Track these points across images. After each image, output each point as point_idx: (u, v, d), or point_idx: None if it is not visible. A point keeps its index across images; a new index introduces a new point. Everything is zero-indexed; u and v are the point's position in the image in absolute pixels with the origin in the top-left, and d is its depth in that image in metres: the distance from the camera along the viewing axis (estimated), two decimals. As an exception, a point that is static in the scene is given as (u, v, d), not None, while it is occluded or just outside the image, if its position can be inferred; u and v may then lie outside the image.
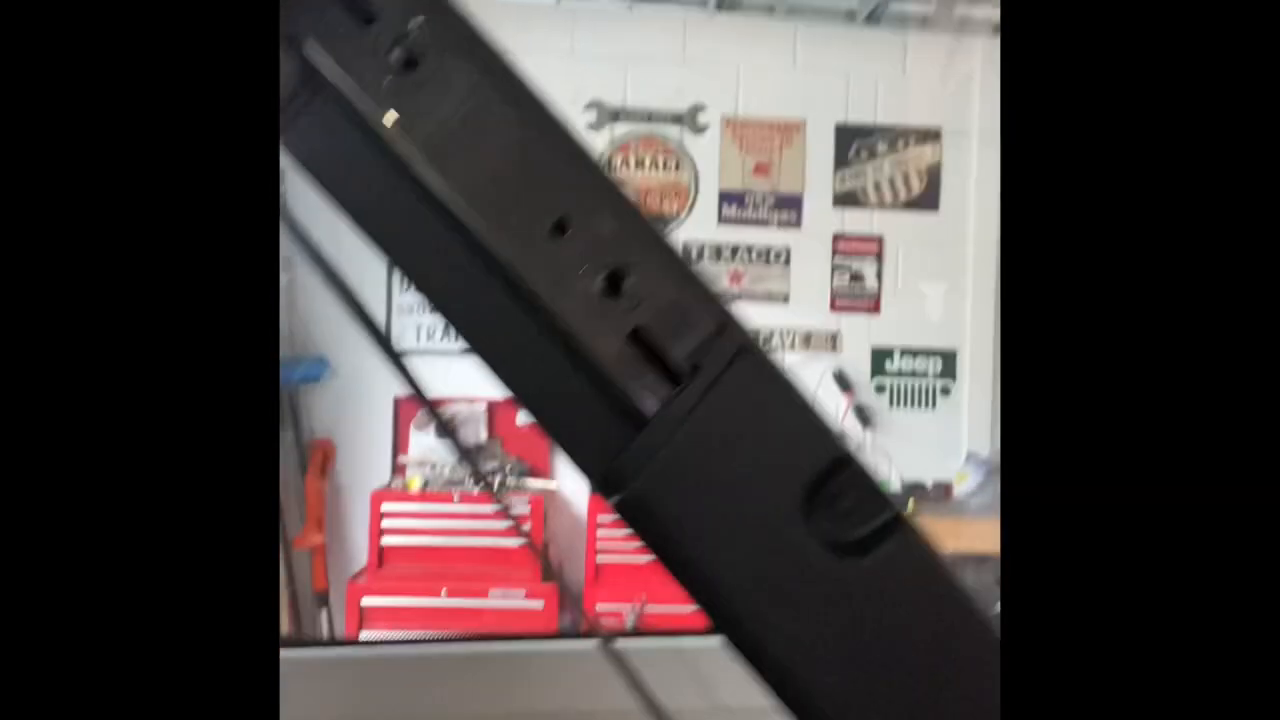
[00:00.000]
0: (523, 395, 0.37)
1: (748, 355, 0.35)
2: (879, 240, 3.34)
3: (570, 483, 3.22)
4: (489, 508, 3.01)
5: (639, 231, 0.36)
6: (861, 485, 0.35)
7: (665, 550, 0.36)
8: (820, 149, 3.33)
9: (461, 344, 0.38)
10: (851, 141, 3.33)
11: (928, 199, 3.34)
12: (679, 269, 0.36)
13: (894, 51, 3.31)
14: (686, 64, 3.21)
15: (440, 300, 0.37)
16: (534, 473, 3.22)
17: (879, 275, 3.33)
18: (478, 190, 0.35)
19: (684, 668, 0.74)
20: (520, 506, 3.00)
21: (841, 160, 3.34)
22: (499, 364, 0.37)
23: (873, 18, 3.23)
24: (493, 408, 3.26)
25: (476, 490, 3.06)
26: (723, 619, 0.36)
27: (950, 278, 3.33)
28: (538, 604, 2.94)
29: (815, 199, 3.34)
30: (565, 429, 0.37)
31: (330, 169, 0.37)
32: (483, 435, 3.26)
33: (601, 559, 3.01)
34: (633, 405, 0.35)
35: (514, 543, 2.97)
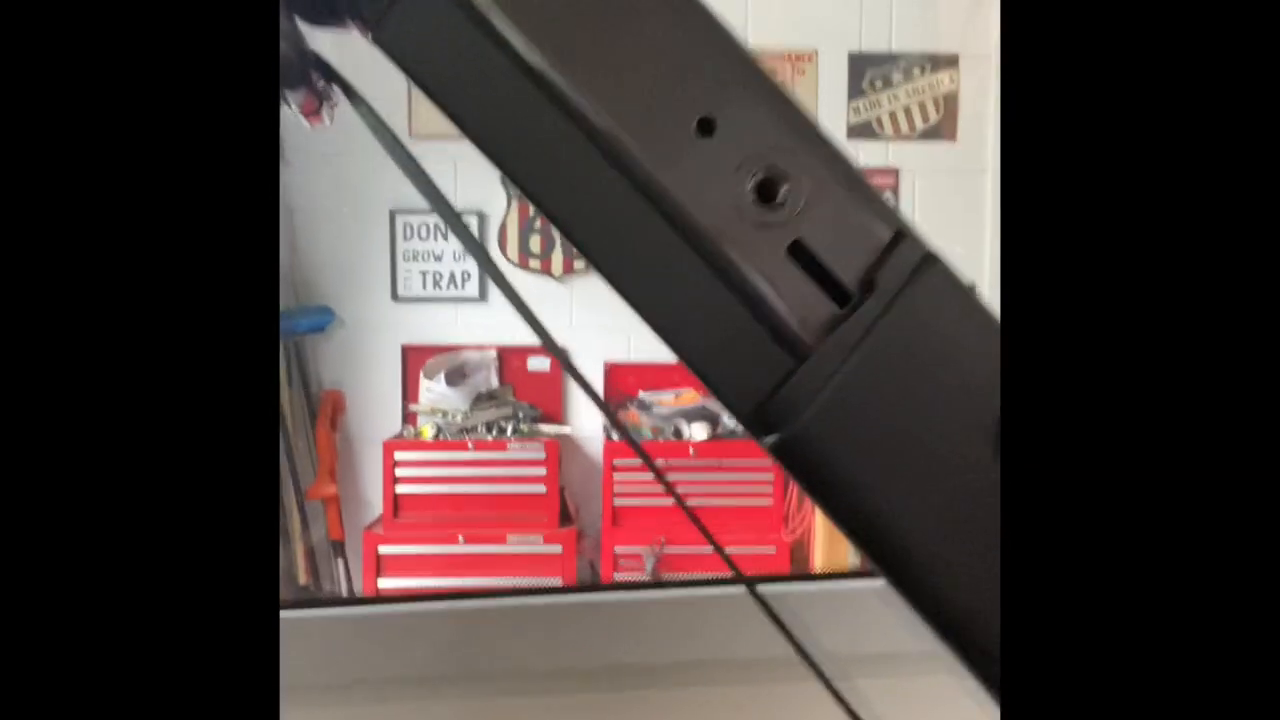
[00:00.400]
0: (659, 319, 0.32)
1: (930, 267, 0.31)
2: (895, 173, 3.26)
3: (585, 427, 3.20)
4: (503, 454, 2.99)
5: (798, 130, 0.31)
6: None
7: (832, 497, 0.32)
8: (832, 79, 3.23)
9: (589, 266, 0.33)
10: (865, 71, 3.23)
11: (945, 128, 3.25)
12: (844, 171, 0.31)
13: (909, -26, 3.19)
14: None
15: (562, 211, 0.32)
16: (547, 418, 3.19)
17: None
18: (609, 83, 0.31)
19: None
20: (534, 452, 2.98)
21: (855, 91, 3.24)
22: (631, 284, 0.32)
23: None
24: (503, 354, 3.22)
25: (490, 437, 3.03)
26: (901, 569, 0.31)
27: (969, 210, 3.26)
28: (556, 549, 2.94)
29: (829, 131, 3.24)
30: (711, 358, 0.32)
31: (432, 62, 0.32)
32: (494, 382, 3.22)
33: (619, 502, 3.00)
34: (794, 330, 0.31)
35: (530, 489, 2.95)
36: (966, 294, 0.31)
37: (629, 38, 0.31)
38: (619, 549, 2.97)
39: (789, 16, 3.18)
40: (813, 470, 0.31)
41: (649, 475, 3.05)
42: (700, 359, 0.32)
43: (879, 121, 3.25)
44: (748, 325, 0.31)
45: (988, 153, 3.25)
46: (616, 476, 2.99)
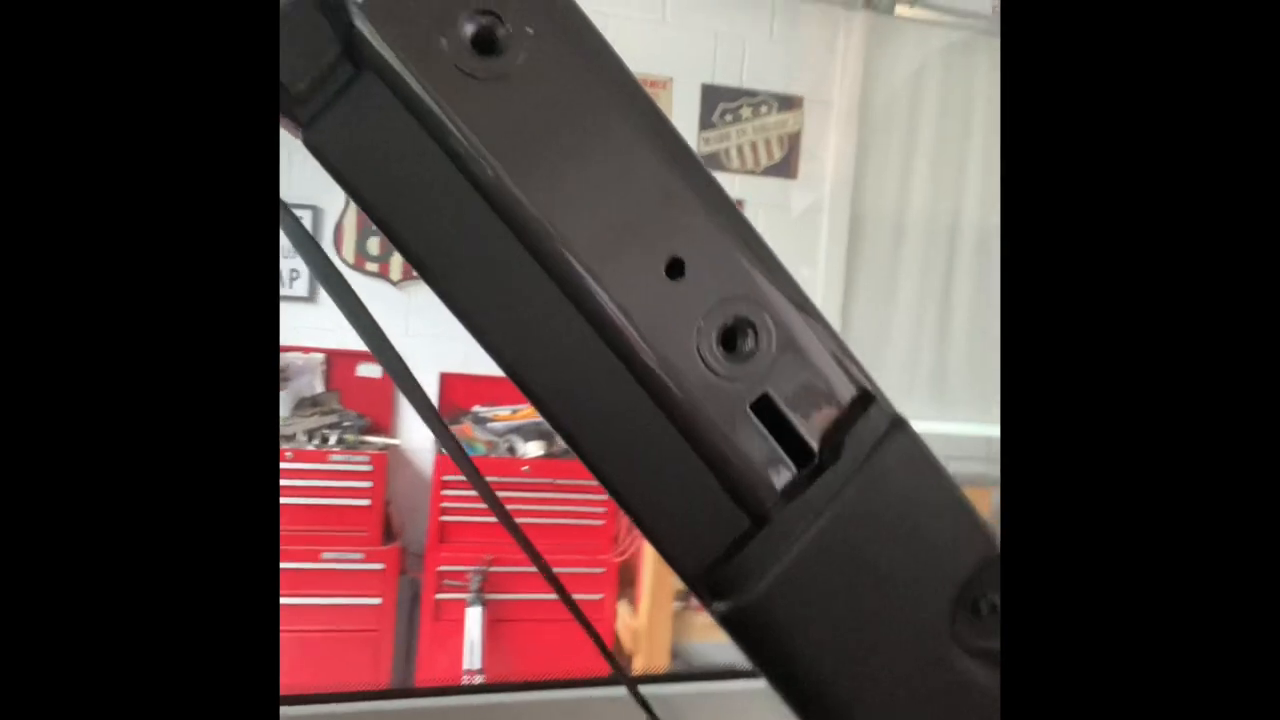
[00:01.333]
0: (609, 469, 0.29)
1: (899, 434, 0.30)
2: (740, 204, 3.35)
3: (415, 439, 3.08)
4: (325, 465, 2.82)
5: (769, 276, 0.29)
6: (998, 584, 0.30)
7: (783, 668, 0.30)
8: (685, 108, 3.29)
9: (533, 409, 0.29)
10: (717, 104, 3.32)
11: (787, 166, 3.39)
12: (814, 322, 0.30)
13: (762, 16, 3.31)
14: None
15: (512, 353, 0.29)
16: (375, 428, 3.05)
17: (738, 239, 3.36)
18: (574, 217, 0.28)
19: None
20: (360, 464, 2.83)
21: (706, 122, 3.32)
22: (585, 431, 0.29)
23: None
24: (331, 358, 3.05)
25: (312, 446, 2.86)
26: None
27: (805, 246, 3.40)
28: (378, 566, 2.80)
29: (678, 158, 3.31)
30: (661, 512, 0.29)
31: (372, 172, 0.28)
32: (319, 387, 3.05)
33: (446, 519, 2.90)
34: (754, 490, 0.29)
35: (353, 503, 2.80)
36: (932, 463, 0.30)
37: (601, 162, 0.28)
38: (444, 567, 2.87)
39: (647, 42, 3.23)
40: (764, 642, 0.29)
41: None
42: (648, 512, 0.29)
43: (726, 153, 3.34)
44: (704, 480, 0.29)
45: (824, 192, 3.41)
46: (445, 492, 2.90)
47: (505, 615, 2.86)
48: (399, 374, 0.37)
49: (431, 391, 3.08)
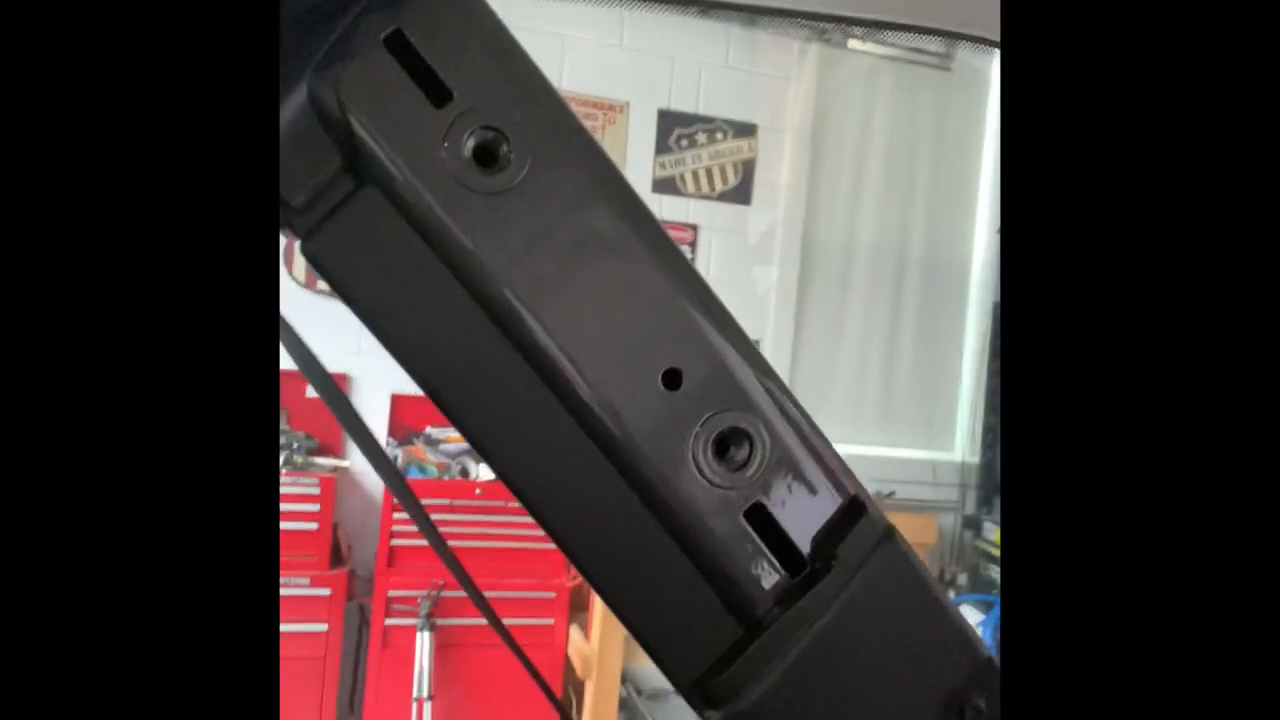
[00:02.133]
0: (606, 576, 0.29)
1: (888, 545, 0.30)
2: (694, 228, 3.39)
3: (362, 461, 3.03)
4: (272, 487, 2.76)
5: (764, 388, 0.30)
6: (994, 689, 0.30)
7: None
8: (641, 133, 3.33)
9: (534, 518, 0.29)
10: (673, 129, 3.35)
11: (741, 192, 3.43)
12: (807, 433, 0.30)
13: (718, 44, 3.36)
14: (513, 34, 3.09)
15: (508, 460, 0.29)
16: (324, 450, 3.00)
17: (692, 263, 3.38)
18: (574, 330, 0.28)
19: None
20: (308, 487, 2.78)
21: (662, 146, 3.35)
22: (580, 538, 0.29)
23: (703, 9, 3.26)
24: (280, 378, 3.00)
25: (258, 468, 2.80)
26: None
27: (758, 270, 3.44)
28: (324, 591, 2.74)
29: (634, 182, 3.32)
30: (657, 622, 0.30)
31: (371, 283, 0.28)
32: (267, 408, 2.99)
33: (396, 543, 2.85)
34: (748, 599, 0.29)
35: (300, 526, 2.75)
36: (920, 574, 0.31)
37: (602, 277, 0.28)
38: (393, 593, 2.82)
39: (604, 67, 3.26)
40: None
41: (431, 515, 2.93)
42: (642, 620, 0.30)
43: (682, 178, 3.38)
44: (697, 587, 0.29)
45: (778, 218, 3.46)
46: (395, 515, 2.85)
47: (456, 640, 2.81)
48: (330, 395, 0.37)
49: (382, 412, 3.04)
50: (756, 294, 3.45)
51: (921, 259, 3.59)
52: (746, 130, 3.43)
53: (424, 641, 2.76)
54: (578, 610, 2.95)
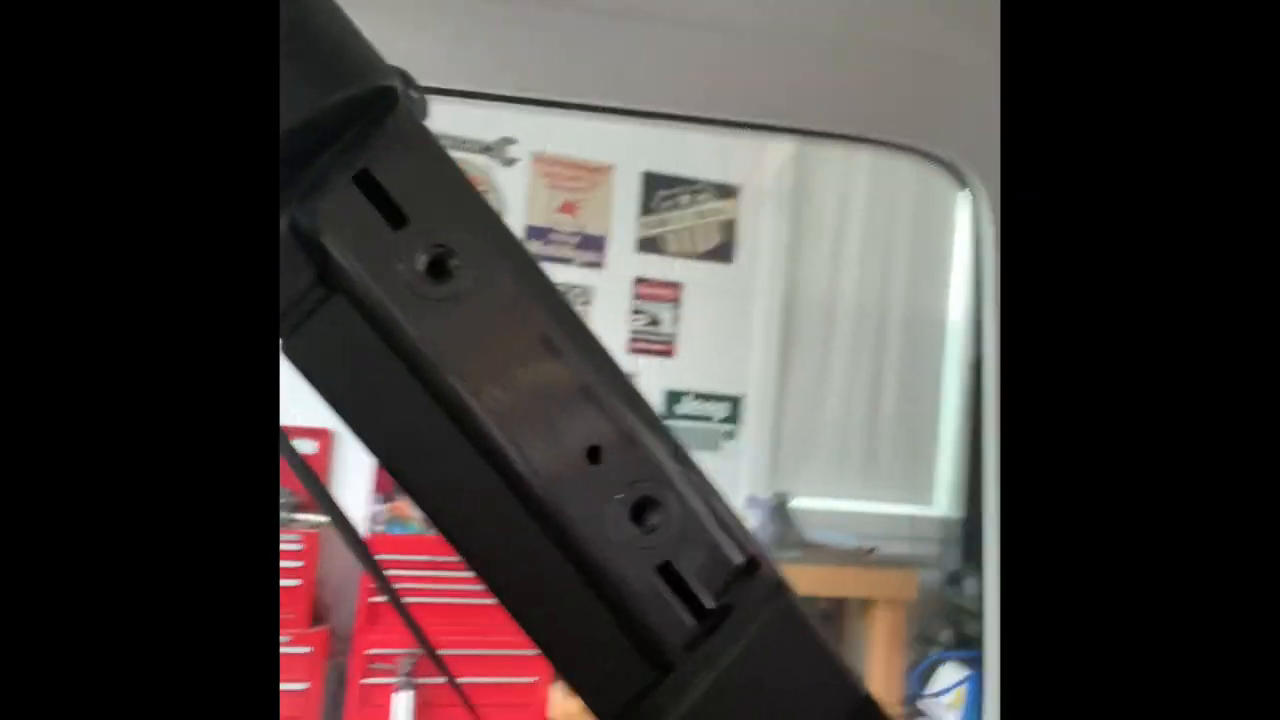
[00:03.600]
0: (537, 626, 0.34)
1: (779, 597, 0.34)
2: (677, 286, 3.45)
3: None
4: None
5: (672, 460, 0.34)
6: None
7: None
8: (626, 194, 3.40)
9: (474, 577, 0.34)
10: (656, 190, 3.44)
11: (723, 251, 3.51)
12: (710, 498, 0.35)
13: (700, 108, 3.46)
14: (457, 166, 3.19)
15: (455, 527, 0.34)
16: (306, 506, 2.99)
17: (676, 320, 3.43)
18: (511, 414, 0.33)
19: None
20: (291, 543, 2.76)
21: (646, 207, 3.43)
22: (516, 594, 0.34)
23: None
24: (264, 434, 3.00)
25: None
26: None
27: (740, 328, 3.49)
28: (305, 649, 2.71)
29: (619, 242, 3.40)
30: (580, 665, 0.34)
31: (342, 378, 0.33)
32: (250, 463, 2.99)
33: (376, 600, 2.83)
34: (659, 644, 0.33)
35: (282, 583, 2.72)
36: (804, 621, 0.35)
37: (534, 368, 0.33)
38: (372, 650, 2.79)
39: (590, 130, 3.35)
40: None
41: (413, 570, 2.91)
42: (569, 661, 0.34)
43: (664, 238, 3.45)
44: (615, 635, 0.33)
45: (760, 277, 3.53)
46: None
47: (436, 700, 2.78)
48: (289, 455, 0.40)
49: (365, 469, 3.04)
50: (739, 351, 3.50)
51: (902, 316, 3.66)
52: (728, 191, 3.51)
53: (402, 701, 2.73)
54: (560, 669, 2.92)
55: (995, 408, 0.84)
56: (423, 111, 0.35)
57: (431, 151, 0.34)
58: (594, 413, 0.33)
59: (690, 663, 0.33)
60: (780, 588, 0.34)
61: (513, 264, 0.34)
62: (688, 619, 0.33)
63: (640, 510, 0.33)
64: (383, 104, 0.32)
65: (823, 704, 0.34)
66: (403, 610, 0.44)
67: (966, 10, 0.76)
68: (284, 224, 0.32)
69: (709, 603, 0.33)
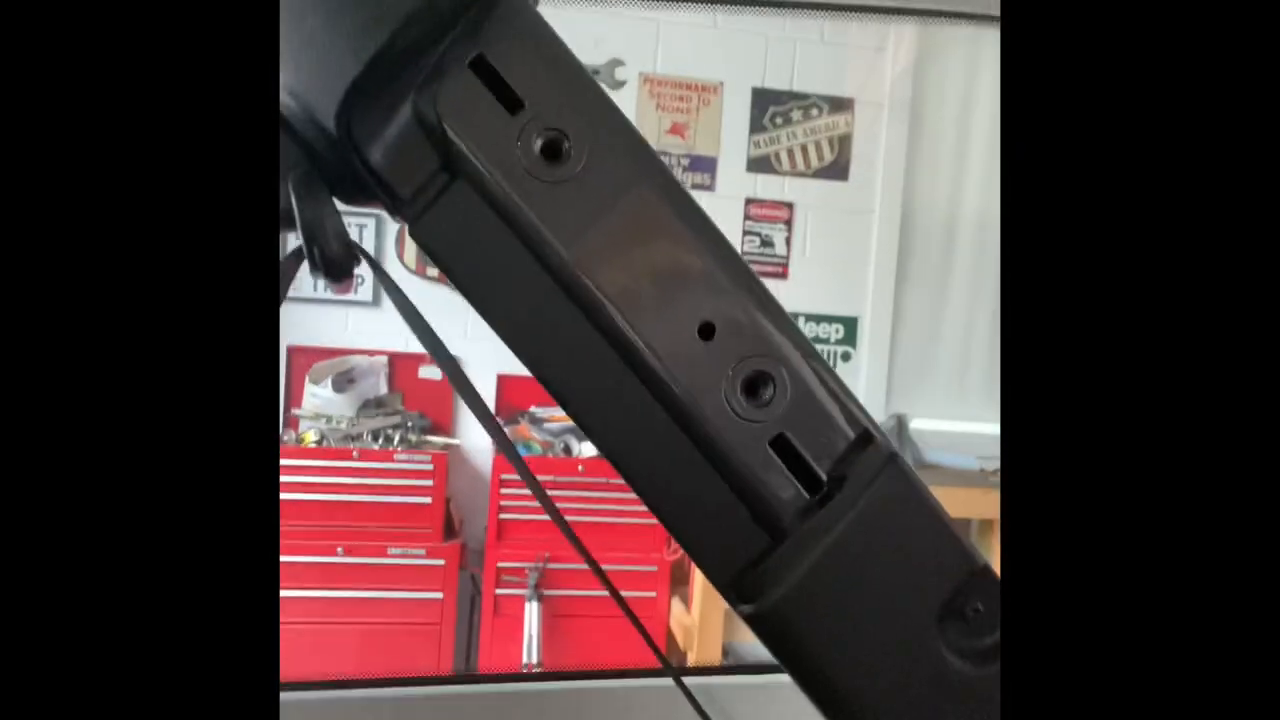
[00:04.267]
0: (656, 496, 0.36)
1: (892, 467, 0.35)
2: (790, 206, 3.38)
3: (474, 439, 3.17)
4: (389, 464, 2.93)
5: (784, 336, 0.35)
6: (994, 594, 0.35)
7: (800, 662, 0.36)
8: (736, 113, 3.33)
9: (597, 450, 0.36)
10: (767, 107, 3.35)
11: (838, 168, 3.40)
12: (822, 373, 0.35)
13: (812, 20, 3.33)
14: (606, 17, 3.14)
15: (576, 400, 0.36)
16: (437, 428, 3.15)
17: (788, 241, 3.38)
18: (625, 291, 0.34)
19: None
20: (421, 463, 2.93)
21: (757, 125, 3.35)
22: (635, 465, 0.36)
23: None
24: (394, 360, 3.16)
25: (376, 446, 2.97)
26: None
27: (855, 247, 3.41)
28: (439, 562, 2.90)
29: (729, 162, 3.35)
30: (698, 533, 0.36)
31: (465, 258, 0.35)
32: (383, 389, 3.16)
33: (504, 516, 2.98)
34: (773, 513, 0.34)
35: (415, 500, 2.91)
36: (920, 491, 0.36)
37: (647, 247, 0.35)
38: (502, 564, 2.96)
39: (698, 48, 3.28)
40: (782, 640, 0.35)
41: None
42: (688, 531, 0.36)
43: (777, 156, 3.37)
44: (731, 504, 0.35)
45: (876, 194, 3.42)
46: (503, 491, 2.98)
47: (562, 611, 2.93)
48: (455, 377, 0.42)
49: (489, 393, 3.17)
50: (855, 270, 3.42)
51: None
52: (842, 105, 3.39)
53: (532, 611, 2.89)
54: (679, 584, 3.02)
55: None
56: None
57: (544, 37, 0.34)
58: (705, 290, 0.34)
59: (803, 532, 0.34)
60: (893, 459, 0.35)
61: (625, 146, 0.35)
62: (801, 490, 0.34)
63: (753, 385, 0.34)
64: None
65: (936, 571, 0.35)
66: (535, 485, 0.46)
67: None
68: (407, 111, 0.34)
69: (822, 474, 0.34)
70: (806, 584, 0.34)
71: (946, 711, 0.35)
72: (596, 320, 0.34)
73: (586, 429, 0.36)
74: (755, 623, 0.35)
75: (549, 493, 0.51)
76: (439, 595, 2.90)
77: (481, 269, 0.35)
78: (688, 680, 0.52)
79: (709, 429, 0.34)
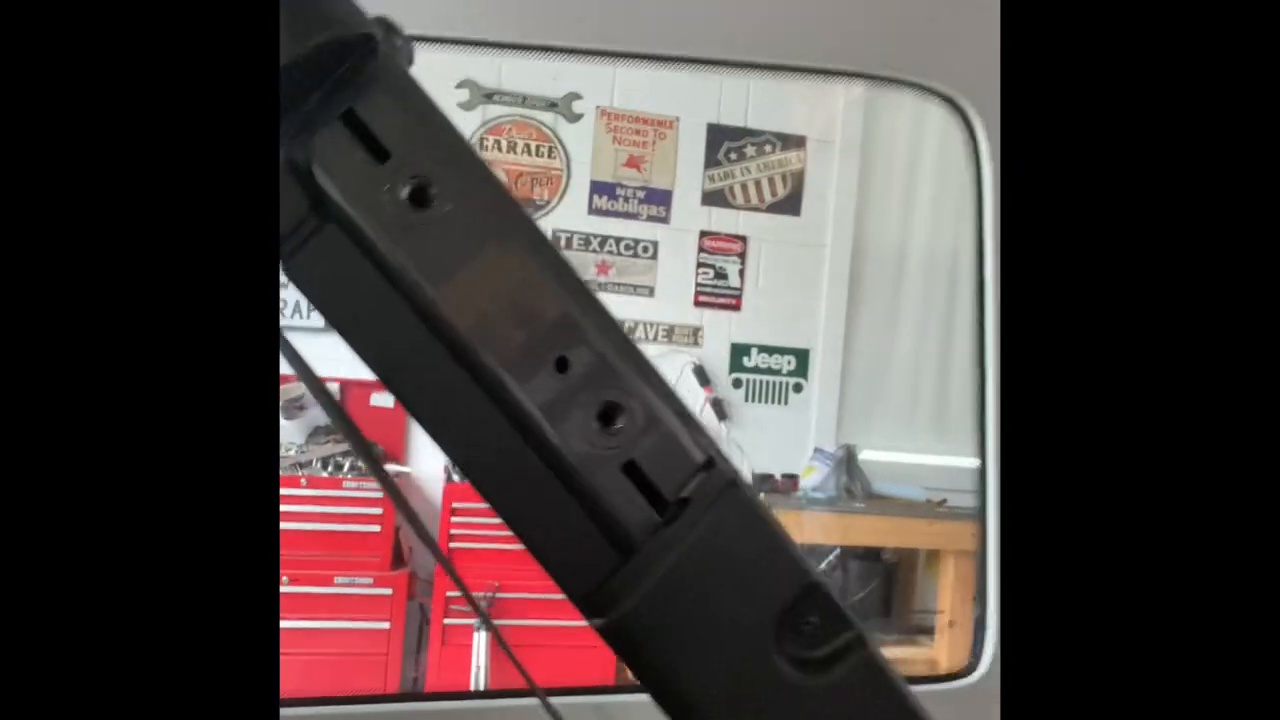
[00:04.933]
0: (514, 517, 0.38)
1: (732, 490, 0.38)
2: (744, 240, 3.44)
3: (426, 467, 3.16)
4: (338, 492, 2.90)
5: (635, 369, 0.38)
6: (827, 608, 0.38)
7: (647, 672, 0.38)
8: (691, 147, 3.40)
9: (460, 474, 0.38)
10: (722, 142, 3.42)
11: (790, 203, 3.48)
12: (670, 404, 0.39)
13: (765, 58, 3.41)
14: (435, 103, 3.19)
15: (440, 431, 0.38)
16: (387, 456, 3.13)
17: (741, 274, 3.44)
18: (486, 329, 0.37)
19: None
20: (371, 490, 2.91)
21: (711, 160, 3.42)
22: (497, 490, 0.38)
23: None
24: (345, 387, 3.14)
25: (326, 474, 2.94)
26: None
27: (807, 280, 3.47)
28: (386, 591, 2.87)
29: (684, 196, 3.41)
30: (554, 552, 0.39)
31: (336, 297, 0.38)
32: (334, 416, 3.14)
33: (455, 545, 2.97)
34: (623, 533, 0.37)
35: (364, 528, 2.88)
36: (758, 513, 0.39)
37: (507, 287, 0.38)
38: (451, 593, 2.93)
39: (654, 84, 3.34)
40: (630, 651, 0.38)
41: (488, 519, 3.04)
42: (546, 550, 0.39)
43: (731, 191, 3.44)
44: (585, 525, 0.38)
45: (827, 228, 3.49)
46: (454, 519, 2.97)
47: (512, 640, 2.91)
48: (324, 400, 0.44)
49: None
50: (807, 303, 3.49)
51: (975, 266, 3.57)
52: (795, 142, 3.47)
53: (480, 641, 2.87)
54: (629, 613, 3.01)
55: (995, 343, 0.85)
56: (408, 57, 0.39)
57: (411, 93, 0.37)
58: (561, 328, 0.37)
59: (649, 550, 0.37)
60: (733, 484, 0.38)
61: (487, 193, 0.38)
62: (650, 511, 0.37)
63: (606, 415, 0.37)
64: (366, 50, 0.36)
65: (772, 586, 0.38)
66: (432, 546, 0.49)
67: None
68: (281, 157, 0.36)
69: (668, 497, 0.37)
70: (651, 599, 0.37)
71: (777, 714, 0.38)
72: (460, 357, 0.37)
73: (452, 458, 0.39)
74: (606, 635, 0.38)
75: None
76: (386, 625, 2.87)
77: (352, 309, 0.37)
78: (592, 699, 0.53)
79: (564, 455, 0.37)
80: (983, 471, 0.91)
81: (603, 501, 0.37)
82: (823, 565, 3.10)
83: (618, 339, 0.38)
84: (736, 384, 3.44)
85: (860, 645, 0.38)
